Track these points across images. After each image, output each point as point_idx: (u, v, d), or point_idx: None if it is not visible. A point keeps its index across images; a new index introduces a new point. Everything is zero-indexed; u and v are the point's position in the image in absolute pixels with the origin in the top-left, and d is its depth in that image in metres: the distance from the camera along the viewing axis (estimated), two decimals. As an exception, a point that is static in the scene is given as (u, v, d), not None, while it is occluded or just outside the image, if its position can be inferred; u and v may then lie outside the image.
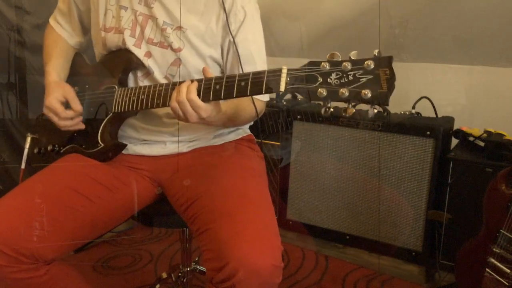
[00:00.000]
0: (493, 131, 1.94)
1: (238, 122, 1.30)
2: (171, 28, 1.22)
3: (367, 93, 0.85)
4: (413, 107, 2.15)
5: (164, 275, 1.65)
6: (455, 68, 2.25)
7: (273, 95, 2.41)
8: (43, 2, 2.19)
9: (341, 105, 0.92)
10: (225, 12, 1.21)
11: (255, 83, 0.97)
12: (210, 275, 1.02)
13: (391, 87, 0.85)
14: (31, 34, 2.22)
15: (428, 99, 2.13)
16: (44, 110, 1.24)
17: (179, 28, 1.22)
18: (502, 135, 1.89)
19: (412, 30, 2.07)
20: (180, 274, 1.56)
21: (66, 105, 1.25)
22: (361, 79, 0.86)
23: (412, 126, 2.00)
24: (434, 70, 2.29)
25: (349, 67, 0.88)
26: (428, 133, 1.95)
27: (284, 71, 0.94)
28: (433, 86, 2.25)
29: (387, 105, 0.86)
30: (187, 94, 1.02)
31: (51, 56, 1.36)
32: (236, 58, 1.23)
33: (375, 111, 0.88)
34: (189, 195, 1.18)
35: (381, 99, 0.85)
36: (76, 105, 1.24)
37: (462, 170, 1.86)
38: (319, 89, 0.90)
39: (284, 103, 2.36)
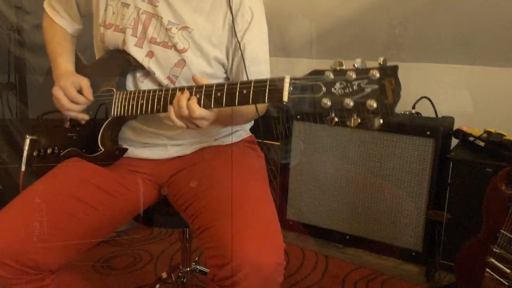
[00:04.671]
0: (493, 131, 1.94)
1: (240, 119, 1.28)
2: (176, 28, 1.19)
3: (373, 104, 0.82)
4: (413, 107, 2.15)
5: (164, 275, 1.65)
6: (455, 68, 2.25)
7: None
8: (43, 2, 2.19)
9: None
10: (232, 13, 1.19)
11: (258, 92, 0.95)
12: (212, 272, 1.02)
13: (397, 98, 0.82)
14: (31, 34, 2.22)
15: (428, 99, 2.13)
16: (54, 90, 1.20)
17: (185, 28, 1.19)
18: (502, 135, 1.89)
19: (412, 30, 2.07)
20: (180, 274, 1.56)
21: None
22: (366, 89, 0.83)
23: (412, 126, 2.00)
24: (434, 70, 2.30)
25: (353, 76, 0.84)
26: (428, 133, 1.95)
27: (287, 80, 0.90)
28: (433, 86, 2.25)
29: (393, 116, 0.84)
30: (192, 113, 1.01)
31: (62, 48, 1.34)
32: (242, 59, 1.21)
33: (381, 121, 0.85)
34: (189, 195, 1.18)
35: (387, 111, 0.82)
36: (89, 94, 1.20)
37: (462, 170, 1.86)
38: (323, 99, 0.87)
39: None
